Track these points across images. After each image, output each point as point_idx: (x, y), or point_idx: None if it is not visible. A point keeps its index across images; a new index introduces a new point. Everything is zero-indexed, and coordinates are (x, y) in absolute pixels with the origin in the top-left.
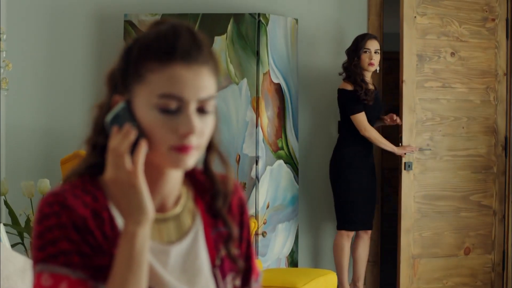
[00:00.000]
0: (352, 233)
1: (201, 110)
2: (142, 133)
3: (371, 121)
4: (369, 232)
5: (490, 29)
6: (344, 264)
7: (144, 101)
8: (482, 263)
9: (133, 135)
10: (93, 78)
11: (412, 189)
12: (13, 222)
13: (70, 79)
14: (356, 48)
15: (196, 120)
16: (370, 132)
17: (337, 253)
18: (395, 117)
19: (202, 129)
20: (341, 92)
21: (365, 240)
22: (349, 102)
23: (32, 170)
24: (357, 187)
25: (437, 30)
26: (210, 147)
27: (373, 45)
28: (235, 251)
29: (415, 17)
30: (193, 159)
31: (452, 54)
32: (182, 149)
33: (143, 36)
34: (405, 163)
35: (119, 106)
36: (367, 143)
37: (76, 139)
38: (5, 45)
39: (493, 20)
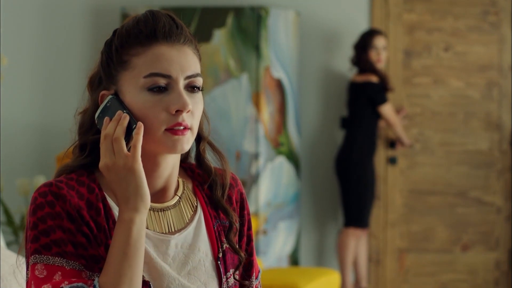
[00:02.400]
0: (360, 232)
1: (189, 88)
2: (135, 121)
3: (378, 114)
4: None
5: (493, 23)
6: (348, 263)
7: (132, 86)
8: (483, 261)
9: (126, 119)
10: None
11: (398, 183)
12: (8, 220)
13: (65, 73)
14: (364, 45)
15: (187, 98)
16: (398, 121)
17: (343, 252)
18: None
19: (193, 108)
20: (368, 85)
21: (363, 239)
22: (378, 93)
23: (27, 166)
24: (368, 183)
25: (428, 26)
26: (199, 138)
27: (380, 42)
28: (236, 241)
29: (401, 14)
30: (188, 142)
31: (446, 49)
32: (177, 131)
33: (121, 26)
34: (389, 158)
35: (107, 99)
36: (374, 139)
37: (72, 135)
38: (0, 40)
39: (496, 13)
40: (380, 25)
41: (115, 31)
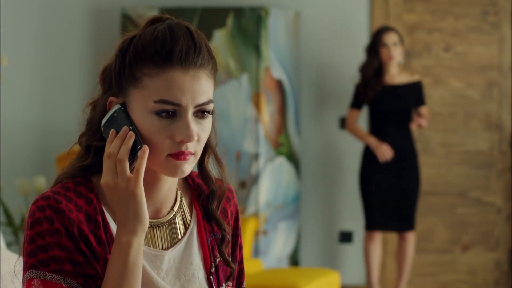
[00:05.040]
0: (375, 234)
1: (199, 115)
2: (140, 137)
3: (385, 117)
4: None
5: (493, 23)
6: (370, 265)
7: (141, 106)
8: (484, 261)
9: (132, 139)
10: (89, 73)
11: None
12: (8, 220)
13: (65, 73)
14: (374, 43)
15: (194, 126)
16: (349, 128)
17: (365, 254)
18: (419, 121)
19: (200, 134)
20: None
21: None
22: (353, 95)
23: (27, 166)
24: (372, 185)
25: (428, 26)
26: (206, 148)
27: (391, 38)
28: (228, 253)
29: (401, 14)
30: (190, 166)
31: (446, 49)
32: (179, 156)
33: (139, 37)
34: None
35: (114, 108)
36: (386, 140)
37: (72, 135)
38: (0, 40)
39: (496, 14)
40: (380, 25)
41: (131, 39)
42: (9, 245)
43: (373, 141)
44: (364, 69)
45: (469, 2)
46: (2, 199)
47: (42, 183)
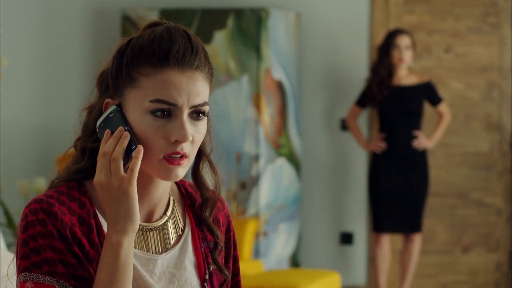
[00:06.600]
0: (383, 236)
1: (194, 116)
2: (135, 138)
3: (394, 118)
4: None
5: (493, 24)
6: (377, 266)
7: (137, 106)
8: (484, 262)
9: (127, 139)
10: (89, 74)
11: None
12: (8, 221)
13: (66, 75)
14: (387, 44)
15: (189, 127)
16: (348, 122)
17: (373, 257)
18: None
19: (194, 136)
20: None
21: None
22: (360, 92)
23: (27, 167)
24: (380, 187)
25: (428, 27)
26: (201, 155)
27: (404, 41)
28: (222, 263)
29: (401, 15)
30: (183, 169)
31: (446, 50)
32: (173, 161)
33: (137, 39)
34: None
35: (110, 109)
36: (394, 142)
37: (72, 136)
38: (0, 41)
39: (496, 14)
40: (380, 26)
41: (129, 41)
42: (9, 246)
43: (363, 141)
44: (376, 69)
45: (469, 3)
46: (2, 200)
47: (42, 184)
